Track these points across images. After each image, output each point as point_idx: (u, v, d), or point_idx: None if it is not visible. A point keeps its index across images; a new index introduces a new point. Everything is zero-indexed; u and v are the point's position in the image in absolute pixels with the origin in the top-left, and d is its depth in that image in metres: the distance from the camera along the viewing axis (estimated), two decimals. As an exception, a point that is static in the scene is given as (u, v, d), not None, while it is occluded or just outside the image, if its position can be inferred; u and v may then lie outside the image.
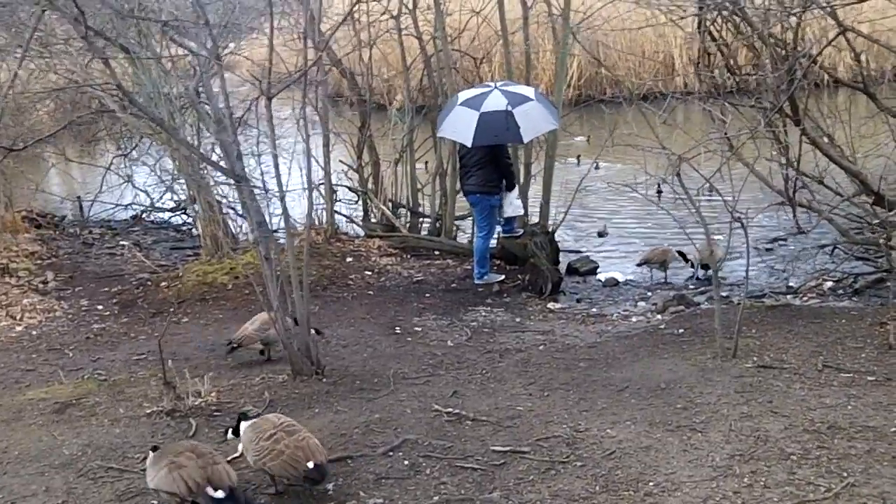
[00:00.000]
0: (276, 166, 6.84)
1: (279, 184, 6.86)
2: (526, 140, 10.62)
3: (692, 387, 6.40)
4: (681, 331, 8.05)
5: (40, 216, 15.07)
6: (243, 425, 5.30)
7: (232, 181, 6.91)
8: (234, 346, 7.81)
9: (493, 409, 6.29)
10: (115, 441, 6.10)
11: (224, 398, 6.89)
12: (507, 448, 5.54)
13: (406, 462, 5.45)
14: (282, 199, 6.94)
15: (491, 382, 7.01)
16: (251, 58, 15.44)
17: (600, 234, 13.39)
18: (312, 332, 7.41)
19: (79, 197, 16.47)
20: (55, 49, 11.65)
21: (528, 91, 10.39)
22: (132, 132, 15.07)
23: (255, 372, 7.61)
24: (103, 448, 5.99)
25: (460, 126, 10.11)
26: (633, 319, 9.19)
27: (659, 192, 11.88)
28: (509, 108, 9.82)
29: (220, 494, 4.63)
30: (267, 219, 7.29)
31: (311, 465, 4.86)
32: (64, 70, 13.81)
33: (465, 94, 10.44)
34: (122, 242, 14.12)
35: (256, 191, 9.67)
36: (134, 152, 16.00)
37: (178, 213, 15.98)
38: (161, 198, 15.89)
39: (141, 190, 15.97)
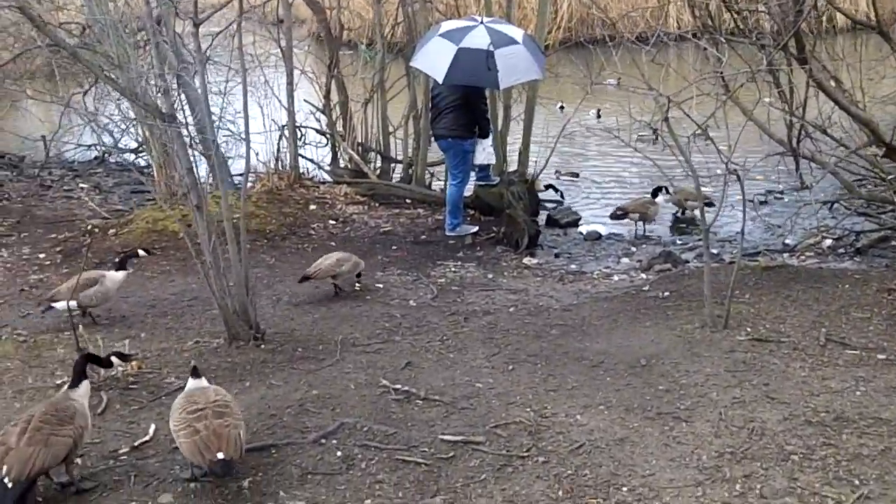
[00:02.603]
0: (206, 102, 5.92)
1: (209, 124, 5.95)
2: (503, 86, 9.64)
3: (677, 363, 5.59)
4: (666, 294, 7.24)
5: (-4, 156, 14.16)
6: (191, 383, 4.74)
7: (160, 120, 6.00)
8: (307, 277, 7.64)
9: (449, 386, 5.48)
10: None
11: (147, 366, 6.06)
12: (459, 437, 4.72)
13: (339, 453, 4.63)
14: (213, 140, 6.05)
15: (451, 351, 6.20)
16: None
17: (573, 175, 12.52)
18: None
19: (43, 136, 15.44)
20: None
21: (517, 33, 9.29)
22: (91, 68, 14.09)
23: (189, 335, 6.80)
24: (-2, 427, 5.17)
25: (435, 59, 9.12)
26: (615, 278, 8.39)
27: (655, 139, 10.99)
28: (491, 47, 8.76)
29: (8, 483, 4.04)
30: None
31: (219, 455, 4.15)
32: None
33: (447, 25, 9.42)
34: (81, 185, 13.20)
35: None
36: (97, 89, 15.00)
37: (141, 154, 15.01)
38: (122, 137, 14.96)
39: (105, 129, 14.99)
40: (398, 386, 5.45)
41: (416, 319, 7.02)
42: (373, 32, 12.77)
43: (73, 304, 6.80)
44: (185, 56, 11.29)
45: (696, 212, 10.45)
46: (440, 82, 9.21)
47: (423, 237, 9.88)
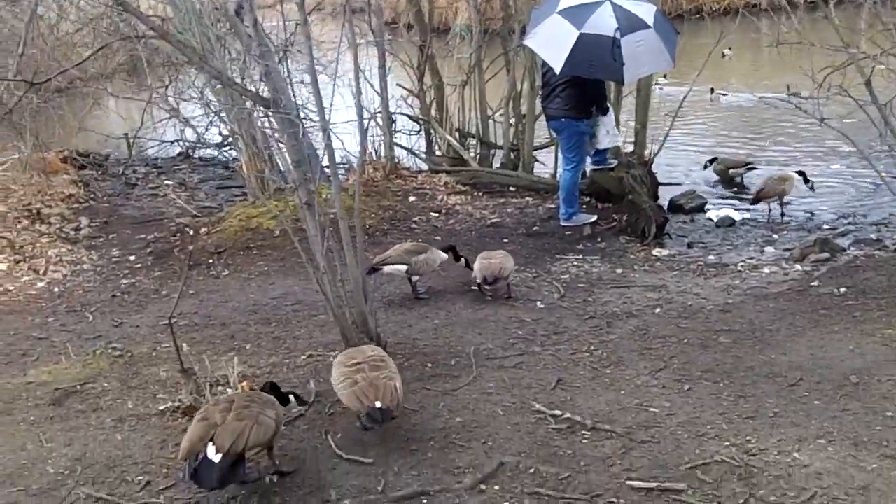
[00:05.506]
0: (315, 85, 5.09)
1: (320, 110, 5.13)
2: (627, 80, 8.68)
3: (896, 380, 4.63)
4: (842, 290, 6.24)
5: (82, 155, 13.70)
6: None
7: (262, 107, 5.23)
8: (497, 280, 6.78)
9: (617, 411, 4.60)
10: (115, 454, 4.54)
11: (258, 386, 5.27)
12: (652, 483, 3.83)
13: (506, 504, 3.79)
14: (324, 129, 5.24)
15: (605, 365, 5.31)
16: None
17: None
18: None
19: (126, 134, 14.97)
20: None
21: (647, 12, 8.09)
22: (173, 62, 13.53)
23: (300, 346, 6.03)
24: (97, 465, 4.44)
25: (553, 43, 8.07)
26: (766, 271, 7.39)
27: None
28: (617, 34, 7.72)
29: (215, 456, 3.90)
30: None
31: (377, 404, 4.33)
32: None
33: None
34: (166, 182, 12.70)
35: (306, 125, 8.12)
36: (178, 84, 14.45)
37: (225, 147, 14.42)
38: (206, 131, 14.37)
39: (187, 124, 14.44)
40: (556, 412, 4.59)
41: (550, 325, 6.15)
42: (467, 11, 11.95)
43: (401, 268, 6.86)
44: (267, 44, 10.62)
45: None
46: (557, 73, 8.21)
47: (536, 228, 9.01)
